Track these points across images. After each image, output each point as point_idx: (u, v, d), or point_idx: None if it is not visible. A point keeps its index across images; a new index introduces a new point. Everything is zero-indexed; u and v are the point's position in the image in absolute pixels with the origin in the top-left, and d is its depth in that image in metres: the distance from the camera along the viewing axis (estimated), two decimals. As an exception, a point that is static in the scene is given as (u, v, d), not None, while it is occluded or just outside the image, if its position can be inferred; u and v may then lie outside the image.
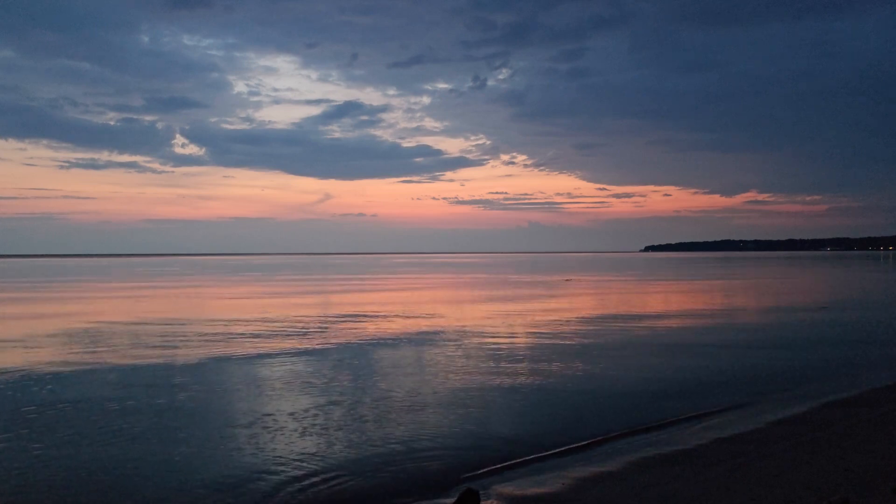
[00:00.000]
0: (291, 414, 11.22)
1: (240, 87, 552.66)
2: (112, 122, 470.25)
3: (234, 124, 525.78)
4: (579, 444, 9.55)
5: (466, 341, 19.86)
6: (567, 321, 25.44)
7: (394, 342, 19.83)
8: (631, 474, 8.27)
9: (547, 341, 19.83)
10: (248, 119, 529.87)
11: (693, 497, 7.38)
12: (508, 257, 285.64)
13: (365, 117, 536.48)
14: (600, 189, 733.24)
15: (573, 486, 7.87)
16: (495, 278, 69.40)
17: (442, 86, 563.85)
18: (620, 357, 16.87)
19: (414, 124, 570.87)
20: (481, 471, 8.46)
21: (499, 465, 8.66)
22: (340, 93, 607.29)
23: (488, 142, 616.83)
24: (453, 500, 7.26)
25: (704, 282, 58.35)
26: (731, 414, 11.25)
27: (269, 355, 17.41)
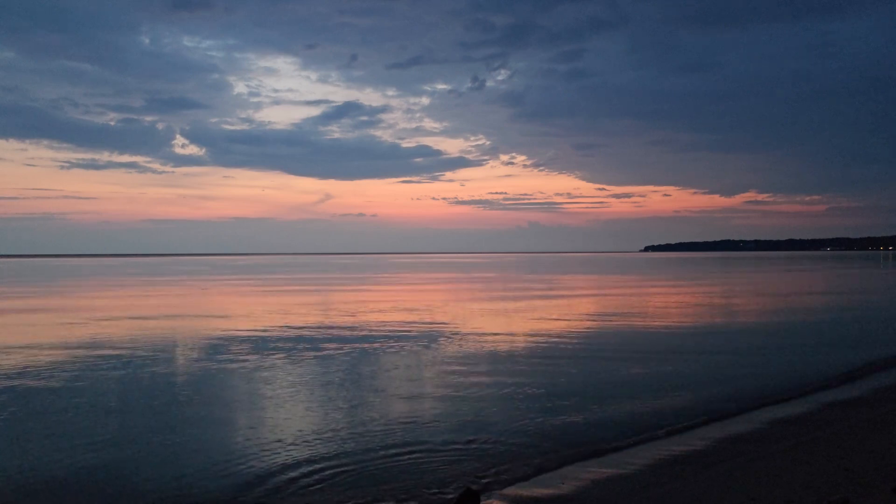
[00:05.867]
0: (291, 414, 11.23)
1: (240, 87, 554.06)
2: (112, 123, 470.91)
3: (234, 125, 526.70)
4: (579, 445, 9.55)
5: (467, 341, 19.86)
6: (567, 322, 25.44)
7: (394, 342, 19.82)
8: (631, 474, 8.28)
9: (547, 341, 19.83)
10: (248, 120, 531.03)
11: (693, 497, 7.38)
12: (508, 257, 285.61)
13: (364, 118, 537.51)
14: (600, 189, 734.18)
15: (573, 486, 7.88)
16: (496, 278, 69.40)
17: (441, 86, 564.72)
18: (621, 357, 16.86)
19: (413, 125, 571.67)
20: (482, 470, 8.46)
21: (499, 465, 8.66)
22: (340, 93, 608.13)
23: (488, 142, 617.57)
24: (454, 499, 7.26)
25: (705, 282, 58.34)
26: (731, 414, 11.24)
27: (270, 355, 17.40)
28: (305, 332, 22.30)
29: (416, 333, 21.89)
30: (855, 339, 20.13)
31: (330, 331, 22.83)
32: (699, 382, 13.75)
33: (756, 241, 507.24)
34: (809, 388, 13.18)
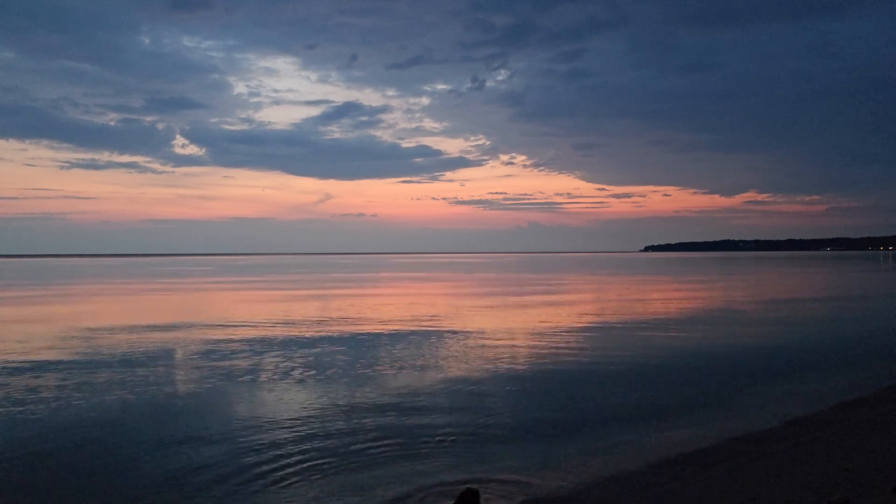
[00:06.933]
0: (288, 411, 11.21)
1: (240, 87, 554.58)
2: (112, 123, 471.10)
3: (234, 125, 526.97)
4: (579, 444, 9.55)
5: (467, 341, 19.85)
6: (566, 322, 25.43)
7: (394, 342, 19.82)
8: (631, 474, 8.27)
9: (548, 342, 19.83)
10: (248, 120, 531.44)
11: (693, 497, 7.38)
12: (508, 257, 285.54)
13: (364, 118, 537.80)
14: (600, 189, 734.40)
15: (574, 486, 7.87)
16: (496, 278, 69.39)
17: (441, 87, 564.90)
18: (620, 357, 16.86)
19: (413, 125, 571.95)
20: (482, 470, 8.46)
21: (499, 465, 8.66)
22: (340, 94, 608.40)
23: (487, 142, 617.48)
24: (454, 499, 7.26)
25: (704, 283, 58.33)
26: (731, 414, 11.24)
27: (268, 354, 17.40)
28: (304, 332, 22.29)
29: (415, 334, 21.88)
30: (854, 341, 20.12)
31: (329, 331, 22.81)
32: (699, 380, 13.75)
33: (756, 241, 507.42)
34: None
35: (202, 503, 7.52)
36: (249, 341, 20.19)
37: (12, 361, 16.66)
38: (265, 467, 8.56)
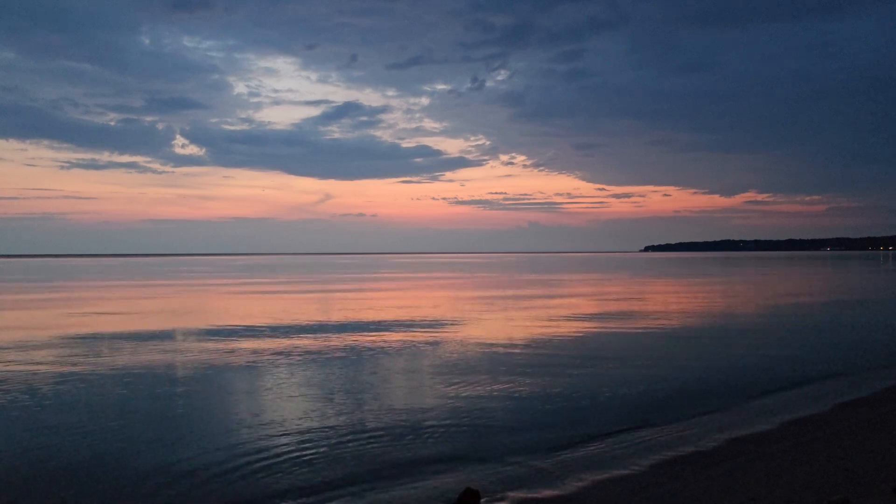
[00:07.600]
0: (287, 411, 11.22)
1: (240, 88, 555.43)
2: (112, 123, 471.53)
3: (234, 125, 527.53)
4: (580, 445, 9.55)
5: (466, 342, 19.85)
6: (566, 322, 25.44)
7: (393, 344, 19.82)
8: (631, 474, 8.28)
9: (547, 343, 19.83)
10: (248, 120, 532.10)
11: (693, 497, 7.38)
12: (508, 257, 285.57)
13: (364, 118, 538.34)
14: (599, 189, 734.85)
15: (574, 486, 7.87)
16: (496, 278, 69.39)
17: (441, 87, 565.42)
18: (621, 357, 16.87)
19: (413, 125, 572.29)
20: (482, 470, 8.46)
21: (499, 465, 8.66)
22: (340, 94, 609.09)
23: (487, 142, 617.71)
24: (454, 499, 7.26)
25: (705, 282, 58.32)
26: (731, 414, 11.25)
27: (270, 357, 17.40)
28: (304, 333, 22.29)
29: (415, 335, 21.88)
30: (854, 341, 20.12)
31: (328, 332, 22.81)
32: (699, 381, 13.75)
33: (756, 241, 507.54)
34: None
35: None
36: (249, 343, 20.20)
37: (12, 362, 16.66)
38: (265, 469, 8.56)
